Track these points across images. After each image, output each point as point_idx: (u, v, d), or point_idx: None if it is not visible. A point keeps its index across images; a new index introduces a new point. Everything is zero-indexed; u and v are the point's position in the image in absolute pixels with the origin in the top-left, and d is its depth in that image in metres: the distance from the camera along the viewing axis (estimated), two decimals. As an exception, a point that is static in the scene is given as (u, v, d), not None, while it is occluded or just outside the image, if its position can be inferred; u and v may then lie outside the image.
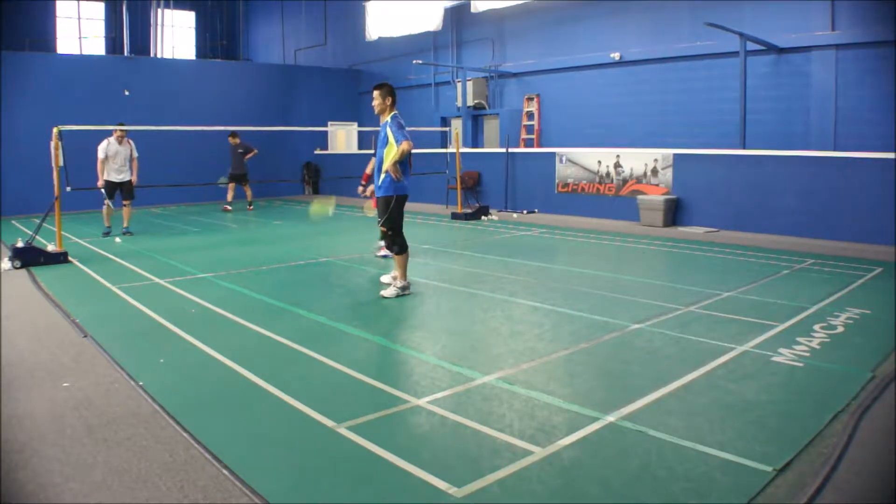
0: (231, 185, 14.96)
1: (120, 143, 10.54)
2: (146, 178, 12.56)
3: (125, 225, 10.94)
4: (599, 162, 12.76)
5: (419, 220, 12.52)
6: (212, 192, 16.04)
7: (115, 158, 10.51)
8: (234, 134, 14.70)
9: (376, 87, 6.15)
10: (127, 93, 16.64)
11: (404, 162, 6.04)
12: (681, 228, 11.02)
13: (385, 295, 6.15)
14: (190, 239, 10.69)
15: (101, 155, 10.43)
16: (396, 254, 6.22)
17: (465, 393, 3.77)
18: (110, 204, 10.71)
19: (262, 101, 19.20)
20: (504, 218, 13.05)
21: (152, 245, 9.73)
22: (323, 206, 6.35)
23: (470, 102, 16.94)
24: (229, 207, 14.99)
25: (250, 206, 15.26)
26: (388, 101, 6.09)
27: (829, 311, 5.56)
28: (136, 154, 10.79)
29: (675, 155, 11.61)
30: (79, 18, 21.83)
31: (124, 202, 10.90)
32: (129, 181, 10.71)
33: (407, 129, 6.01)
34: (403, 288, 6.21)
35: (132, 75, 16.90)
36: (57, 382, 3.99)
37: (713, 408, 3.54)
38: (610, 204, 12.55)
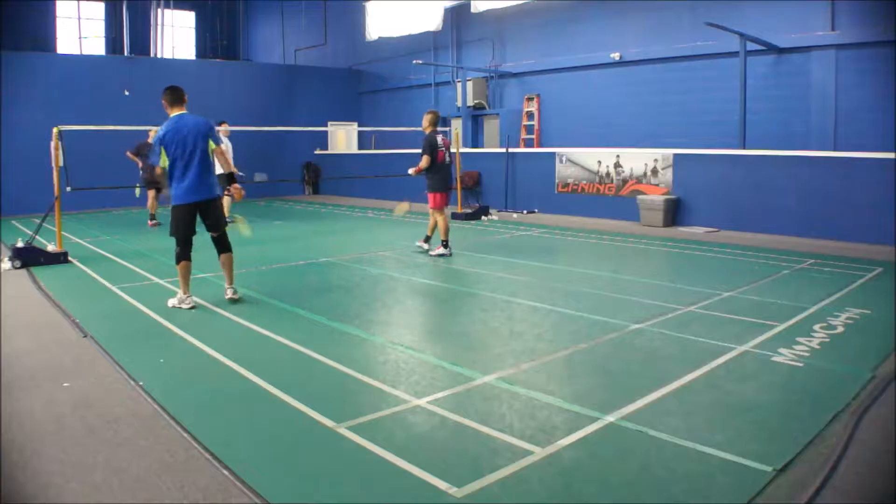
0: (151, 194, 12.14)
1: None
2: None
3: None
4: (599, 162, 12.76)
5: (419, 220, 12.51)
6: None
7: None
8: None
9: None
10: (127, 93, 16.63)
11: (174, 169, 5.84)
12: (681, 228, 11.02)
13: (169, 304, 5.90)
14: (190, 239, 10.66)
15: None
16: (176, 263, 5.95)
17: (464, 393, 3.77)
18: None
19: (262, 101, 19.19)
20: (504, 218, 13.05)
21: (152, 245, 9.72)
22: (245, 229, 6.52)
23: (470, 102, 16.93)
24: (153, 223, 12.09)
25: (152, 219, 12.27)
26: (165, 102, 6.01)
27: (829, 311, 5.56)
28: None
29: (674, 155, 11.61)
30: (79, 18, 21.82)
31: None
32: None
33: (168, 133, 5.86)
34: (182, 300, 5.86)
35: (132, 75, 16.88)
36: (57, 382, 3.99)
37: (713, 408, 3.54)
38: (610, 204, 12.55)
